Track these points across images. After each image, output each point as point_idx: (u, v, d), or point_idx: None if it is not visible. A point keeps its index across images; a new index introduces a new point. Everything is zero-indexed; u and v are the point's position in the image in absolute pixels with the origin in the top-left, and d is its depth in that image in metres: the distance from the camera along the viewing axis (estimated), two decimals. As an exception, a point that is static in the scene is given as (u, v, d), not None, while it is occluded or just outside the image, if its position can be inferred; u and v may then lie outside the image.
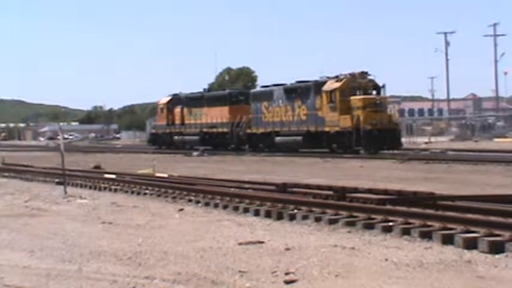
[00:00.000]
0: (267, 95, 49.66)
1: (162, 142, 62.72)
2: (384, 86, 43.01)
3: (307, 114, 44.87)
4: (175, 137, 60.60)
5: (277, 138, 47.54)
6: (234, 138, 52.54)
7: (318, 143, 43.92)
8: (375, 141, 40.03)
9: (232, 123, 52.57)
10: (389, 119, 41.69)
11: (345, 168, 30.86)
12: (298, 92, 46.14)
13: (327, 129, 42.86)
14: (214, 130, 54.99)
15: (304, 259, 10.13)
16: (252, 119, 50.38)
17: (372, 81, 43.00)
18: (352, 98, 41.58)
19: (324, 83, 43.76)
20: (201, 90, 61.73)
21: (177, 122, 60.58)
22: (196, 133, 57.33)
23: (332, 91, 42.49)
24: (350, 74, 42.80)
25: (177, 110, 60.64)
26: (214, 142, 54.32)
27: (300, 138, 45.09)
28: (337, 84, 42.37)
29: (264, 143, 48.89)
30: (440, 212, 13.07)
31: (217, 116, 54.65)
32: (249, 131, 50.60)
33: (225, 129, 53.45)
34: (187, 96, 61.22)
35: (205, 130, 56.21)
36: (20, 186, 25.19)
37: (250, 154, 45.72)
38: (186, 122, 59.39)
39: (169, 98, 62.83)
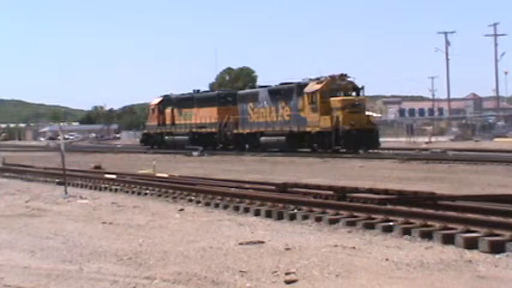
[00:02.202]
0: (252, 97, 50.94)
1: (153, 142, 63.66)
2: (363, 88, 44.22)
3: (290, 115, 45.89)
4: (166, 137, 61.53)
5: (262, 138, 48.47)
6: (222, 138, 53.61)
7: (300, 143, 44.97)
8: (353, 141, 40.96)
9: (220, 124, 53.59)
10: (368, 120, 43.28)
11: (345, 168, 30.87)
12: (282, 93, 47.25)
13: (308, 129, 43.85)
14: (203, 130, 55.94)
15: (305, 259, 10.13)
16: (239, 119, 51.38)
17: (351, 83, 44.11)
18: (331, 99, 42.58)
19: (305, 84, 44.85)
20: (191, 91, 62.31)
21: (168, 122, 61.56)
22: (186, 133, 58.23)
23: (313, 93, 43.54)
24: (330, 76, 43.98)
25: (168, 110, 61.60)
26: (203, 142, 54.96)
27: (283, 138, 46.06)
28: (318, 86, 43.41)
29: (249, 143, 49.77)
30: (441, 211, 13.05)
31: (206, 116, 55.62)
32: (235, 131, 51.63)
33: (214, 129, 54.49)
34: (178, 97, 62.14)
35: (194, 130, 57.15)
36: (20, 186, 25.20)
37: (250, 154, 45.91)
38: (177, 122, 60.39)
39: (160, 99, 63.77)
